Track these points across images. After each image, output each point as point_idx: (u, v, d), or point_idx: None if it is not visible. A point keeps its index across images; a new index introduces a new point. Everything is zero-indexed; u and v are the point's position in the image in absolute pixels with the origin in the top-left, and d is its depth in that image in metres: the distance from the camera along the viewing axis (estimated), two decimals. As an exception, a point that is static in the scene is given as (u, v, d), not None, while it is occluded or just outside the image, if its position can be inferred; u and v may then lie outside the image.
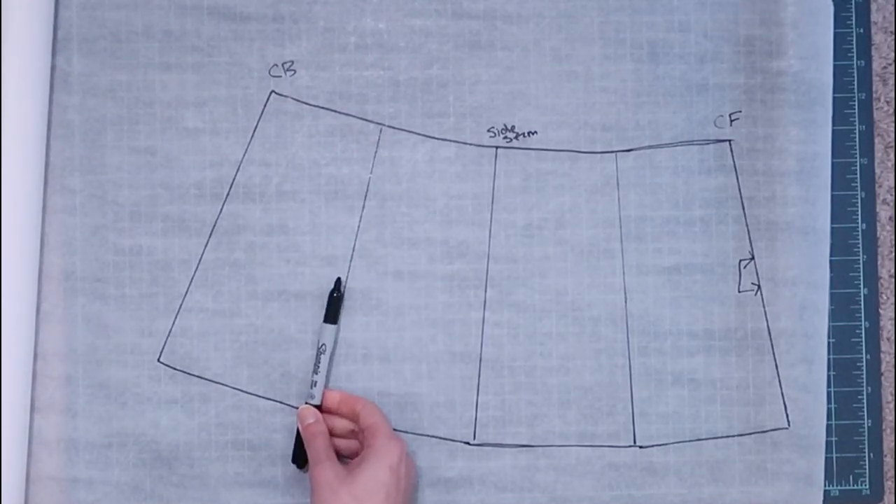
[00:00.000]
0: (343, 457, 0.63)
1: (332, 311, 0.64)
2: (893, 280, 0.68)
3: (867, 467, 0.67)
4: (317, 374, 0.64)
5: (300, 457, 0.64)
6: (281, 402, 0.65)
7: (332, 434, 0.63)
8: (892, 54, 0.69)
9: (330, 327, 0.64)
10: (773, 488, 0.65)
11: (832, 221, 0.67)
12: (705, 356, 0.66)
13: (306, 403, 0.64)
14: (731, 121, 0.66)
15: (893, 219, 0.68)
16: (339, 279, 0.65)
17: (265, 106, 0.66)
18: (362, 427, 0.62)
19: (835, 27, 0.67)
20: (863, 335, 0.67)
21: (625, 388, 0.66)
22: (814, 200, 0.66)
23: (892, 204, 0.68)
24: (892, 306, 0.68)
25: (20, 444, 0.62)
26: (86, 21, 0.66)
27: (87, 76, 0.66)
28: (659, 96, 0.67)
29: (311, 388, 0.64)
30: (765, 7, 0.66)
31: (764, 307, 0.66)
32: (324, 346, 0.64)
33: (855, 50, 0.68)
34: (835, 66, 0.67)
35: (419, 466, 0.65)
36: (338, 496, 0.58)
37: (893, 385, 0.68)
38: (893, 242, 0.68)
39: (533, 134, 0.66)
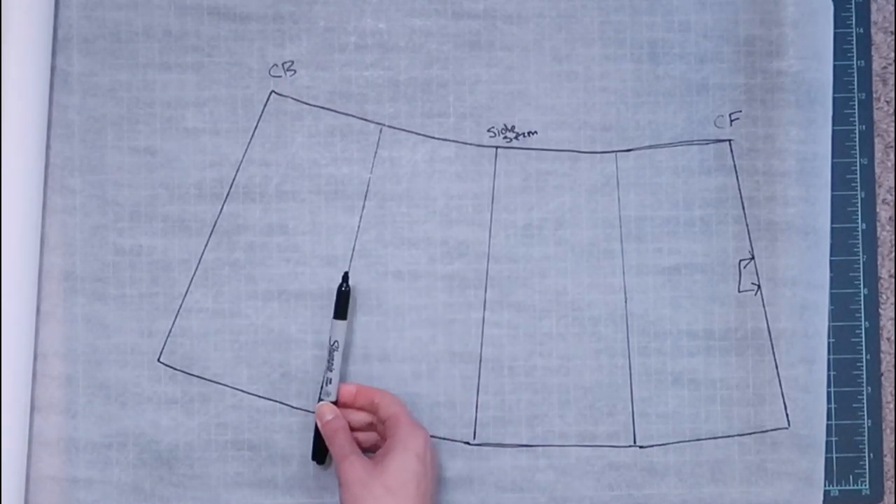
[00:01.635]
0: (364, 450, 0.63)
1: (341, 307, 0.64)
2: (893, 280, 0.68)
3: (867, 467, 0.67)
4: (331, 370, 0.63)
5: (320, 454, 0.64)
6: (281, 402, 0.65)
7: (351, 428, 0.62)
8: (892, 54, 0.69)
9: (340, 323, 0.64)
10: (773, 488, 0.65)
11: (832, 221, 0.67)
12: (705, 356, 0.66)
13: (321, 400, 0.63)
14: (731, 121, 0.66)
15: (893, 219, 0.68)
16: (345, 273, 0.64)
17: (265, 106, 0.66)
18: (382, 418, 0.62)
19: (835, 27, 0.67)
20: (863, 335, 0.67)
21: (625, 388, 0.66)
22: (814, 200, 0.66)
23: (892, 204, 0.68)
24: (892, 306, 0.68)
25: (20, 444, 0.62)
26: (86, 21, 0.66)
27: (87, 76, 0.66)
28: (659, 96, 0.67)
29: (326, 385, 0.63)
30: (765, 7, 0.66)
31: (764, 307, 0.66)
32: (336, 343, 0.63)
33: (855, 50, 0.68)
34: (835, 66, 0.67)
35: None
36: (370, 489, 0.58)
37: (893, 385, 0.67)
38: (893, 242, 0.68)
39: (533, 134, 0.66)
